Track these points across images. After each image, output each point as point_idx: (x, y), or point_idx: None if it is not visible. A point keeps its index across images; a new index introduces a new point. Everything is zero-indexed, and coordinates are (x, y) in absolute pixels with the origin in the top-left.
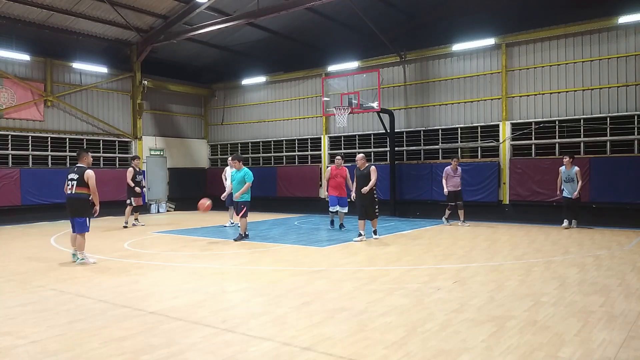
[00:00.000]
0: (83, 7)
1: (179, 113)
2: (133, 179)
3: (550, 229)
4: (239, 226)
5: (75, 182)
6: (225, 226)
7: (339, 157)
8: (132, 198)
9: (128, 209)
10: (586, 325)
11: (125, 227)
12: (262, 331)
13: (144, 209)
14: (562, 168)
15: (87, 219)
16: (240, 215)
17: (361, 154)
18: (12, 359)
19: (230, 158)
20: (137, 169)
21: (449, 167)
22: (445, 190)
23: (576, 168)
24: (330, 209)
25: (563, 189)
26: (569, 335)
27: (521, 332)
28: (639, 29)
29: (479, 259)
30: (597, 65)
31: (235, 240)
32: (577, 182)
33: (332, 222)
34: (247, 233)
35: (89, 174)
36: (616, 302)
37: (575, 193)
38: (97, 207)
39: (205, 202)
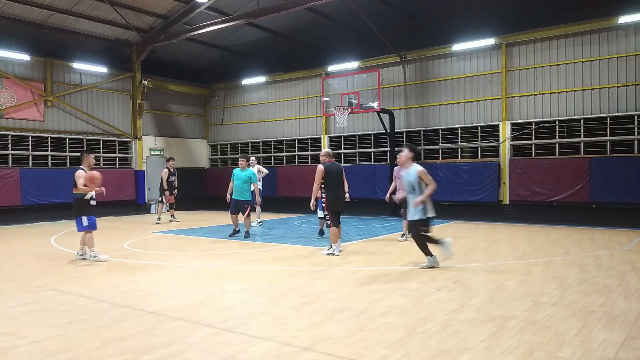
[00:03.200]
0: (83, 7)
1: (179, 113)
2: (167, 179)
3: (550, 229)
4: (259, 223)
5: (73, 184)
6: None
7: (323, 155)
8: (163, 196)
9: (160, 206)
10: (586, 325)
11: (157, 222)
12: (262, 331)
13: (143, 209)
14: (399, 168)
15: (83, 217)
16: (246, 215)
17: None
18: (12, 359)
19: (254, 158)
20: (172, 170)
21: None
22: (387, 195)
23: (419, 169)
24: (320, 214)
25: (402, 207)
26: (569, 335)
27: (521, 332)
28: (639, 29)
29: (479, 259)
30: (597, 65)
31: (245, 238)
32: (422, 190)
33: (321, 232)
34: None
35: (77, 174)
36: (616, 302)
37: (419, 199)
38: (97, 190)
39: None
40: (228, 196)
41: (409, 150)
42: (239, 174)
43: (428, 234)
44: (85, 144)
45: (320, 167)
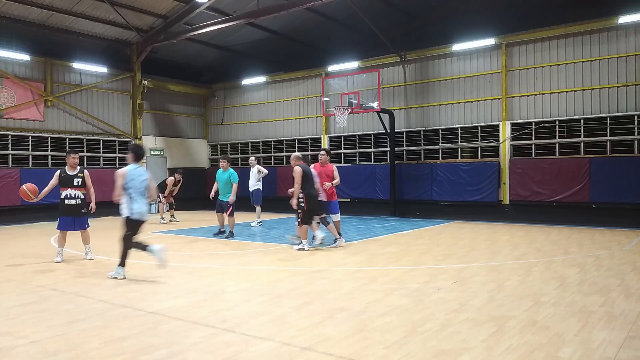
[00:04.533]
0: (83, 7)
1: (179, 113)
2: (172, 185)
3: (550, 229)
4: (259, 223)
5: None
6: (252, 225)
7: (322, 153)
8: (160, 194)
9: (161, 206)
10: (586, 325)
11: (163, 222)
12: (262, 331)
13: None
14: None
15: (60, 217)
16: (228, 214)
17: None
18: (12, 359)
19: (254, 158)
20: (176, 180)
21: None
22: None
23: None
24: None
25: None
26: (569, 335)
27: (521, 332)
28: (639, 29)
29: (479, 259)
30: (597, 65)
31: (226, 237)
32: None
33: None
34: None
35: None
36: (616, 302)
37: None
38: (38, 197)
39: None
40: (212, 194)
41: (130, 151)
42: (220, 176)
43: (133, 238)
44: (85, 144)
45: (299, 168)
